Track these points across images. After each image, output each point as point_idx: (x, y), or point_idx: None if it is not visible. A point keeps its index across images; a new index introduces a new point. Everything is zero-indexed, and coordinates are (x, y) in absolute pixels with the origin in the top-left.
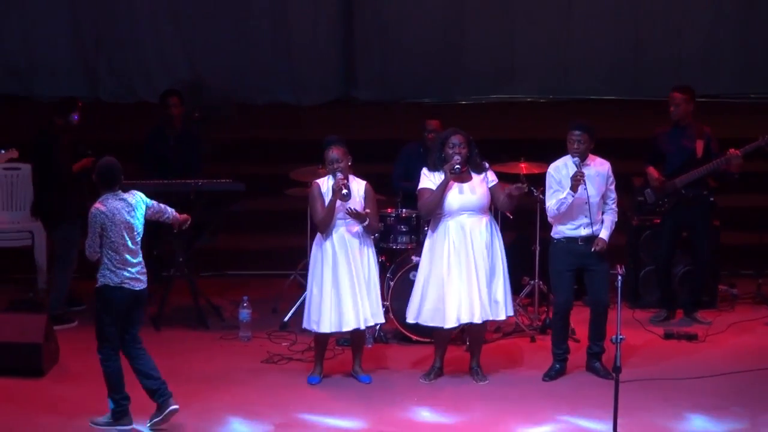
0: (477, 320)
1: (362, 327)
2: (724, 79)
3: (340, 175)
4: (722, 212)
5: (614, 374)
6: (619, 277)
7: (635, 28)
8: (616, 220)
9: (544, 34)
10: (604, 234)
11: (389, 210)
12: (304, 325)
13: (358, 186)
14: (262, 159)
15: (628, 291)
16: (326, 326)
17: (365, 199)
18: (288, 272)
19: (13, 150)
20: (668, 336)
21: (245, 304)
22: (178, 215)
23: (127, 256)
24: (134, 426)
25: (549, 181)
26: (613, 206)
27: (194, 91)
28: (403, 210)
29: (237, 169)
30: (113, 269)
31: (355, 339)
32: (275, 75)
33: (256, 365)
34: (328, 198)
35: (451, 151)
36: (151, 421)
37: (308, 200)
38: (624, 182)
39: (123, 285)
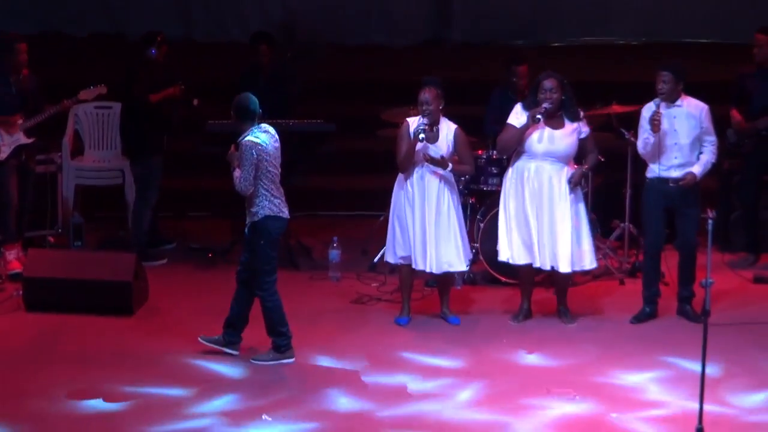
0: (562, 269)
1: (428, 270)
2: None
3: (424, 120)
4: None
5: (703, 318)
6: (710, 221)
7: None
8: (713, 161)
9: None
10: (696, 169)
11: (479, 152)
12: (386, 258)
13: (447, 129)
14: (354, 99)
15: (719, 235)
16: (402, 260)
17: (455, 142)
18: (378, 213)
19: (102, 86)
20: (758, 280)
21: (335, 245)
22: None
23: (278, 185)
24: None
25: (640, 119)
26: (711, 147)
27: (287, 32)
28: (494, 152)
29: (328, 110)
30: (271, 199)
31: (441, 280)
32: (368, 15)
33: (345, 305)
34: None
35: (542, 96)
36: (259, 358)
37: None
38: (719, 126)
39: (280, 214)
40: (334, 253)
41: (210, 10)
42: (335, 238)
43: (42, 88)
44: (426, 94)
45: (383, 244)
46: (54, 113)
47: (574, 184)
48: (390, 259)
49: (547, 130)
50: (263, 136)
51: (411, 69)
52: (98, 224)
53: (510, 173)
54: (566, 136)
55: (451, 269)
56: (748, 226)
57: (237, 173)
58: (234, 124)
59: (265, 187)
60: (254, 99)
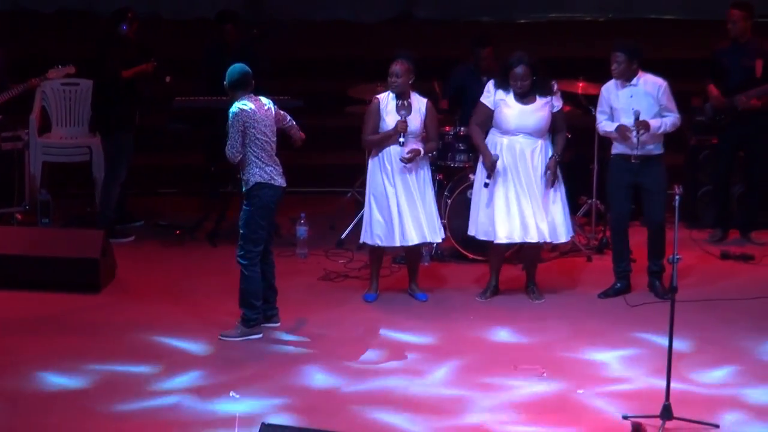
0: (531, 239)
1: (408, 244)
2: None
3: (402, 118)
4: None
5: (671, 294)
6: (677, 197)
7: None
8: (673, 123)
9: None
10: (652, 121)
11: (447, 128)
12: (362, 238)
13: (419, 104)
14: (320, 76)
15: (686, 211)
16: (385, 240)
17: (426, 116)
18: (345, 189)
19: (70, 66)
20: (725, 256)
21: (302, 221)
22: (300, 131)
23: (272, 153)
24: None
25: (599, 99)
26: (673, 118)
27: (253, 8)
28: (461, 128)
29: (296, 86)
30: (262, 166)
31: (410, 256)
32: None
33: (312, 282)
34: (386, 114)
35: (513, 83)
36: (227, 334)
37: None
38: (684, 102)
39: (272, 182)
40: (302, 230)
41: None
42: (302, 215)
43: (8, 65)
44: (396, 66)
45: (350, 220)
46: (21, 92)
47: (550, 178)
48: (368, 240)
49: (519, 106)
50: (250, 104)
51: (378, 46)
52: (65, 201)
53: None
54: (537, 110)
55: (430, 240)
56: (718, 202)
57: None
58: (228, 95)
59: (255, 154)
60: (249, 70)
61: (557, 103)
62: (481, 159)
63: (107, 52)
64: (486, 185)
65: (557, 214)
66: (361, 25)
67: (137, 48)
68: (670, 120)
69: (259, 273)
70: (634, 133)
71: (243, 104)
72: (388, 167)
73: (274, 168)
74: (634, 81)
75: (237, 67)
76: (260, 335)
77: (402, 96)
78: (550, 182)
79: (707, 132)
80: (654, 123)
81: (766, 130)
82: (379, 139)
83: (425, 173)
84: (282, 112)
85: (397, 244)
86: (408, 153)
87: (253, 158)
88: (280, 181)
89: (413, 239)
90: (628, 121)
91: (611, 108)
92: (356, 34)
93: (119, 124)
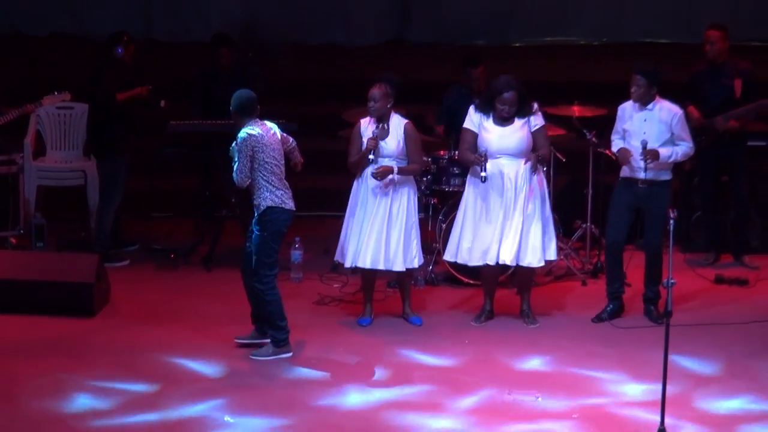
0: (510, 263)
1: (380, 268)
2: None
3: (373, 135)
4: None
5: (665, 318)
6: (671, 221)
7: None
8: (685, 152)
9: None
10: (662, 150)
11: (441, 152)
12: (336, 257)
13: (398, 124)
14: (315, 99)
15: (681, 235)
16: (347, 260)
17: (405, 138)
18: (340, 213)
19: (65, 93)
20: (719, 280)
21: (297, 245)
22: (300, 155)
23: (281, 177)
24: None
25: (616, 118)
26: (685, 148)
27: (248, 31)
28: (455, 152)
29: (290, 109)
30: (273, 190)
31: (400, 281)
32: (329, 15)
33: (307, 306)
34: (365, 137)
35: (500, 107)
36: (259, 353)
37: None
38: None
39: (284, 205)
40: (296, 254)
41: (171, 10)
42: (297, 239)
43: (1, 89)
44: (375, 90)
45: None
46: (16, 117)
47: (533, 166)
48: (338, 257)
49: (497, 129)
50: (257, 128)
51: (372, 69)
52: (60, 225)
53: (469, 174)
54: (516, 131)
55: (384, 268)
56: (707, 226)
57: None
58: (234, 120)
59: (265, 178)
60: (252, 94)
61: (536, 122)
62: (470, 173)
63: (103, 75)
64: (484, 179)
65: (537, 236)
66: (356, 49)
67: (133, 71)
68: (681, 149)
69: (278, 294)
70: (641, 160)
71: (251, 129)
72: (362, 189)
73: (285, 191)
74: (650, 106)
75: (243, 93)
76: (290, 354)
77: (381, 119)
78: (533, 168)
79: (699, 155)
80: (664, 152)
81: (745, 151)
82: (357, 161)
83: (407, 200)
84: (286, 135)
85: (348, 264)
86: (377, 168)
87: (263, 183)
88: (290, 204)
89: (365, 263)
90: (636, 143)
91: (623, 130)
92: (350, 58)
93: (114, 148)
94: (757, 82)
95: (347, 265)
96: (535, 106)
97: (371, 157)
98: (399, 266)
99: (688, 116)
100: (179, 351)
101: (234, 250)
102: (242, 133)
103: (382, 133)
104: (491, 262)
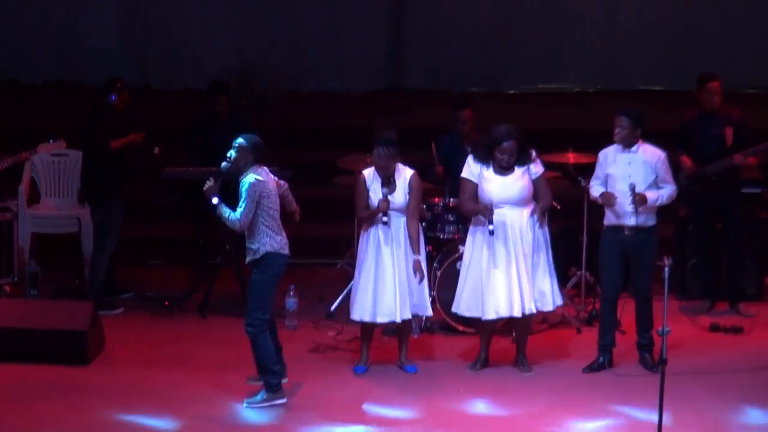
0: (516, 314)
1: (398, 320)
2: None
3: (383, 196)
4: None
5: (660, 366)
6: (666, 269)
7: (685, 19)
8: (670, 195)
9: (592, 24)
10: (649, 193)
11: (436, 199)
12: (352, 315)
13: (404, 177)
14: (309, 146)
15: (676, 283)
16: (366, 315)
17: (410, 190)
18: (335, 261)
19: (61, 141)
20: (714, 329)
21: (292, 293)
22: (295, 203)
23: (279, 223)
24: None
25: (596, 164)
26: (669, 190)
27: (242, 78)
28: (450, 199)
29: (284, 157)
30: (272, 235)
31: (400, 329)
32: (323, 62)
33: (302, 354)
34: (372, 191)
35: (500, 156)
36: (253, 401)
37: (354, 189)
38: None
39: (282, 251)
40: (291, 302)
41: (166, 58)
42: (292, 286)
43: None
44: (382, 156)
45: (340, 291)
46: (11, 164)
47: (539, 219)
48: (353, 316)
49: (498, 179)
50: (263, 174)
51: (366, 116)
52: (54, 272)
53: (472, 225)
54: (517, 180)
55: (420, 312)
56: (702, 273)
57: (221, 211)
58: (238, 159)
59: (266, 224)
60: (260, 140)
61: (536, 169)
62: (473, 222)
63: (96, 122)
64: (492, 233)
65: (545, 282)
66: (351, 96)
67: (126, 118)
68: (666, 192)
69: (269, 339)
70: (630, 204)
71: (257, 175)
72: (374, 243)
73: (282, 237)
74: (634, 148)
75: (257, 138)
76: (284, 400)
77: (389, 176)
78: (540, 223)
79: (692, 203)
80: (651, 196)
81: (740, 198)
82: (368, 215)
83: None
84: (277, 179)
85: (368, 318)
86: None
87: (264, 228)
88: (287, 250)
89: (389, 316)
90: (622, 187)
91: (606, 175)
92: (345, 105)
93: (108, 195)
94: (749, 130)
95: (380, 320)
96: (534, 153)
97: (385, 219)
98: (425, 311)
99: (680, 165)
100: (175, 398)
101: (229, 297)
102: (251, 178)
103: (390, 189)
104: (503, 315)
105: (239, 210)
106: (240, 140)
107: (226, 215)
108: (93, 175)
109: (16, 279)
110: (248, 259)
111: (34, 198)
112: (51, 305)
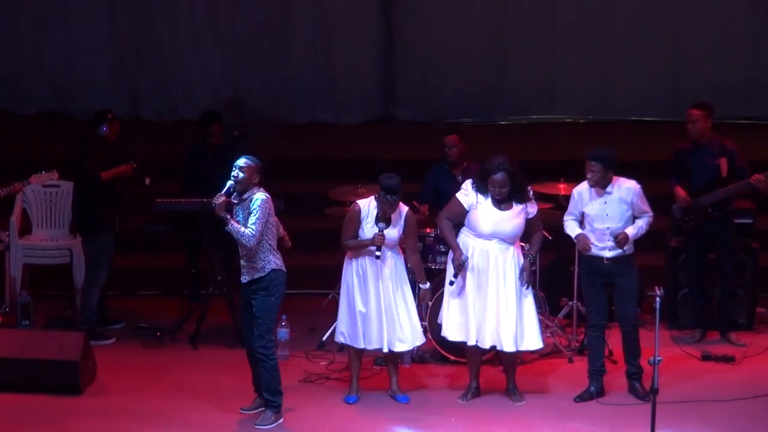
0: (508, 348)
1: (385, 349)
2: (763, 101)
3: (379, 232)
4: (762, 234)
5: (651, 396)
6: (657, 299)
7: (675, 50)
8: (648, 223)
9: (584, 56)
10: (629, 230)
11: (428, 230)
12: (336, 338)
13: (399, 213)
14: (301, 178)
15: (667, 312)
16: (348, 339)
17: (406, 227)
18: (327, 291)
19: (53, 171)
20: (706, 358)
21: (283, 323)
22: (282, 229)
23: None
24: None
25: (570, 200)
26: (647, 218)
27: (234, 110)
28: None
29: (276, 188)
30: (275, 253)
31: (390, 358)
32: (315, 94)
33: (293, 384)
34: (366, 223)
35: (492, 188)
36: (263, 423)
37: (345, 217)
38: (663, 204)
39: (283, 268)
40: (283, 332)
41: (157, 88)
42: (284, 317)
43: None
44: (388, 203)
45: (332, 322)
46: (3, 196)
47: (526, 279)
48: (336, 337)
49: (496, 212)
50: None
51: (358, 147)
52: (46, 303)
53: (449, 259)
54: (513, 217)
55: (407, 347)
56: (694, 303)
57: (235, 226)
58: (249, 178)
59: (269, 242)
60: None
61: (532, 210)
62: (450, 255)
63: (87, 153)
64: (451, 283)
65: (528, 321)
66: (342, 127)
67: (117, 149)
68: (645, 221)
69: (276, 358)
70: (611, 248)
71: (263, 194)
72: (361, 273)
73: (280, 256)
74: (608, 188)
75: (254, 158)
76: (282, 419)
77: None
78: (526, 282)
79: (677, 230)
80: (631, 232)
81: (732, 229)
82: (357, 245)
83: (402, 275)
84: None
85: (360, 346)
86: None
87: (268, 246)
88: (284, 267)
89: (372, 343)
90: (600, 226)
91: (581, 213)
92: (337, 136)
93: (99, 226)
94: (743, 160)
95: (364, 346)
96: (531, 191)
97: (378, 253)
98: (421, 338)
99: (675, 196)
100: (168, 424)
101: (221, 327)
102: (261, 195)
103: (386, 223)
104: (487, 345)
105: (253, 226)
106: (245, 160)
107: (240, 231)
108: (84, 206)
109: (8, 309)
110: (249, 278)
111: (26, 229)
112: (43, 335)
